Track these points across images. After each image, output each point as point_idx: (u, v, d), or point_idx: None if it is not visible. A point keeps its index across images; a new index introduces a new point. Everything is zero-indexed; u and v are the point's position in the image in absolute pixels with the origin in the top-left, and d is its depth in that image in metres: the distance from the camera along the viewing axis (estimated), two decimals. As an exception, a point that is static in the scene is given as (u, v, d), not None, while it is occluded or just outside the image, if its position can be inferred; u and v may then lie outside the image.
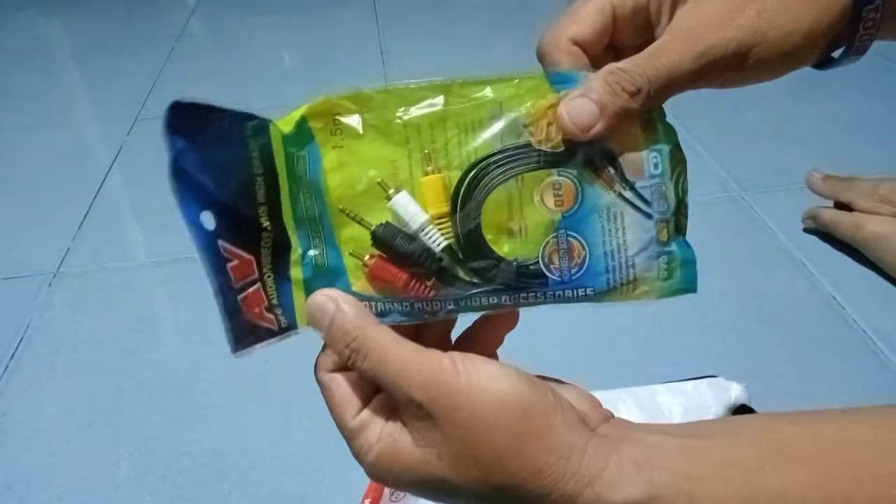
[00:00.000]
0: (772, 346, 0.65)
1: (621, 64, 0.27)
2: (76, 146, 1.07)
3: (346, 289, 0.28)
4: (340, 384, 0.28)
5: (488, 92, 0.28)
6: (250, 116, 0.27)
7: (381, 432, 0.26)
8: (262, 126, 0.27)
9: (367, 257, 0.28)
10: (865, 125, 0.98)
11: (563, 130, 0.27)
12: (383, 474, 0.26)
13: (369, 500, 0.50)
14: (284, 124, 0.28)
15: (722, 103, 1.00)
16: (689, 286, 0.29)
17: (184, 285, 0.77)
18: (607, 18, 0.29)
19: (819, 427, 0.25)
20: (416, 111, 0.27)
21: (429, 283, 0.28)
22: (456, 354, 0.26)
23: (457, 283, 0.28)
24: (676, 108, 0.31)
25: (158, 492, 0.56)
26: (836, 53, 0.29)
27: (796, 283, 0.73)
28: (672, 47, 0.28)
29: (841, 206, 0.75)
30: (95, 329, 0.72)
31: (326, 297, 0.27)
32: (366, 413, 0.27)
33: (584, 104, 0.27)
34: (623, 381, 0.58)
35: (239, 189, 0.27)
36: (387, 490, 0.50)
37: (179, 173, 0.27)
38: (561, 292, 0.28)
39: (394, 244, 0.27)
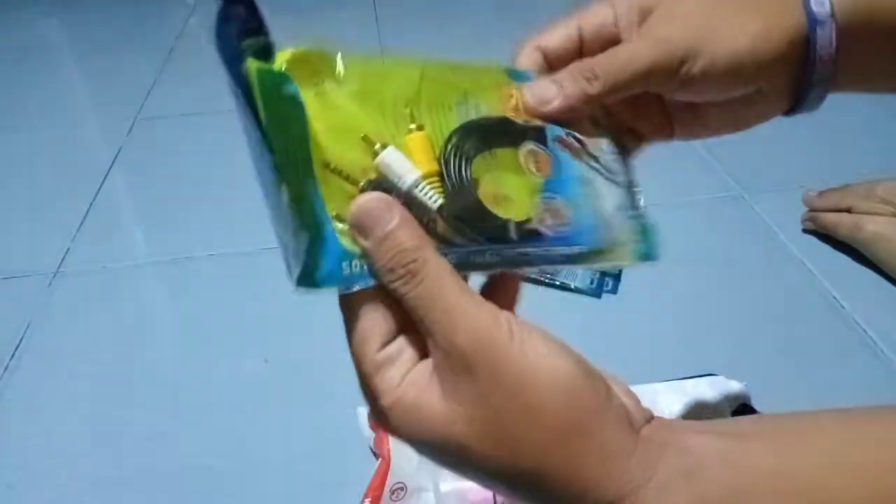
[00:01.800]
0: (772, 345, 0.65)
1: (584, 59, 0.31)
2: (76, 146, 1.06)
3: (337, 246, 0.24)
4: (370, 309, 0.24)
5: (454, 77, 0.29)
6: (256, 35, 0.24)
7: (407, 375, 0.23)
8: (244, 55, 0.23)
9: None
10: (865, 125, 0.98)
11: (525, 106, 0.30)
12: (396, 425, 0.23)
13: (369, 499, 0.50)
14: (269, 63, 0.25)
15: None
16: (654, 252, 0.31)
17: (183, 285, 0.77)
18: (572, 34, 0.34)
19: (853, 431, 0.24)
20: (391, 84, 0.28)
21: None
22: (511, 316, 0.23)
23: (454, 242, 0.26)
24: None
25: (158, 492, 0.56)
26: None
27: (796, 282, 0.73)
28: (631, 42, 0.32)
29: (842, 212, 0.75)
30: (95, 329, 0.72)
31: (384, 203, 0.23)
32: (393, 347, 0.24)
33: (546, 84, 0.31)
34: (623, 380, 0.58)
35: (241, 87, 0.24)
36: (387, 489, 0.50)
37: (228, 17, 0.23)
38: (557, 249, 0.28)
39: None
